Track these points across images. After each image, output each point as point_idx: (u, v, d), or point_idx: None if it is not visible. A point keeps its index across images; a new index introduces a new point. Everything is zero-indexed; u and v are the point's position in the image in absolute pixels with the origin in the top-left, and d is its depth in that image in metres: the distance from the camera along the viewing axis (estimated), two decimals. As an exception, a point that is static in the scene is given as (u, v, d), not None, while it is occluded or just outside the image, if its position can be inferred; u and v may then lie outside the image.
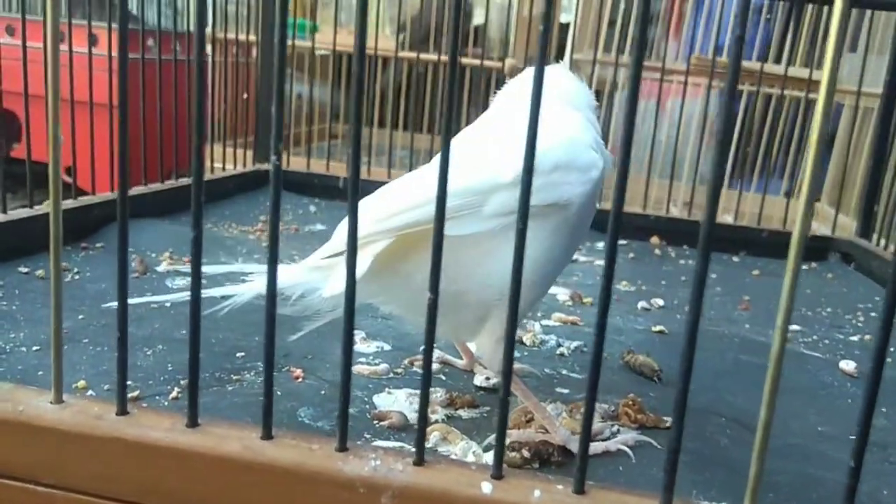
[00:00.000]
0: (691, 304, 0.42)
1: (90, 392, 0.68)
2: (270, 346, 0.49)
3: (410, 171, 1.72)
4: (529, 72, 0.72)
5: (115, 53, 1.31)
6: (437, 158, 0.71)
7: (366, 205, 0.64)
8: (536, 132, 0.45)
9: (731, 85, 0.40)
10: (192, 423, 0.51)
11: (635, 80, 0.43)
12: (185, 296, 0.61)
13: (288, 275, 0.65)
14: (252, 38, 1.91)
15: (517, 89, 0.72)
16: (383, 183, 0.71)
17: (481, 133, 0.69)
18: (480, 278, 0.63)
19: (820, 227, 1.89)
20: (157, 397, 0.68)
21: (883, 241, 1.54)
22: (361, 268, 0.63)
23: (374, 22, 2.16)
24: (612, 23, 2.38)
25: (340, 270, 0.65)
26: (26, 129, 1.05)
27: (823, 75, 0.40)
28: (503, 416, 0.46)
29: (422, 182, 0.65)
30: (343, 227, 0.67)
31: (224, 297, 0.65)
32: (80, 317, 0.85)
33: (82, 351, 0.76)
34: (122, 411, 0.51)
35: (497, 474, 0.47)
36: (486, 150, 0.64)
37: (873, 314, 1.22)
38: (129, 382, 0.69)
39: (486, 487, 0.47)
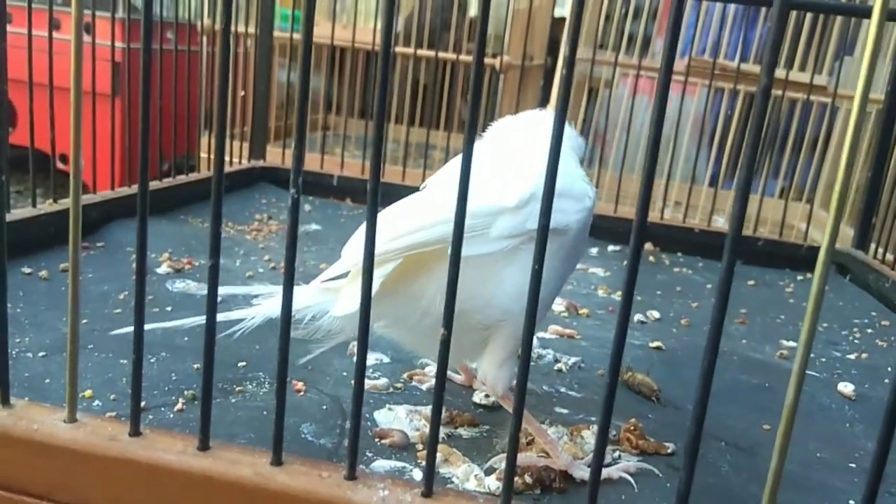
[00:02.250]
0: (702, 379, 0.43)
1: (96, 402, 0.69)
2: (282, 388, 0.49)
3: (403, 165, 1.74)
4: (516, 117, 0.76)
5: (119, 44, 1.31)
6: (437, 175, 0.72)
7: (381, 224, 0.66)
8: (556, 171, 0.46)
9: (752, 148, 0.40)
10: (204, 446, 0.51)
11: (661, 108, 0.44)
12: (197, 321, 0.62)
13: (299, 298, 0.66)
14: (243, 29, 1.90)
15: (509, 124, 0.75)
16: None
17: (480, 162, 0.70)
18: (484, 299, 0.64)
19: (813, 231, 1.89)
20: (163, 409, 0.69)
21: (881, 252, 1.54)
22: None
23: (373, 16, 2.13)
24: (607, 17, 2.38)
25: (348, 291, 0.66)
26: (30, 125, 1.05)
27: (857, 90, 0.40)
28: (511, 460, 0.47)
29: (430, 202, 0.67)
30: (351, 246, 0.67)
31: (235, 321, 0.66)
32: (84, 321, 0.85)
33: (87, 358, 0.77)
34: (136, 432, 0.52)
35: (504, 507, 0.48)
36: (488, 176, 0.65)
37: (870, 331, 1.23)
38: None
39: (494, 521, 0.48)
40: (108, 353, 0.78)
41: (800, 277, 1.53)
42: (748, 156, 0.41)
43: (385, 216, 0.68)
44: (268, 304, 0.67)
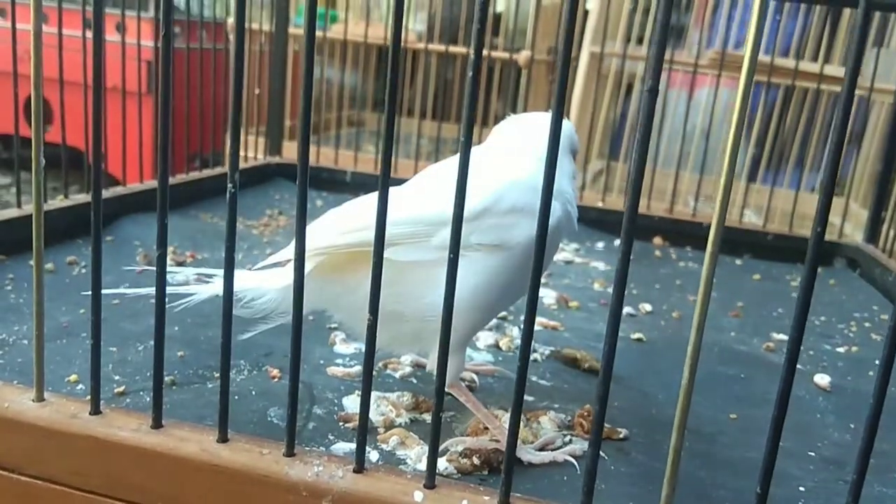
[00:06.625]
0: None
1: (80, 386, 0.73)
2: (226, 360, 0.53)
3: (437, 161, 1.77)
4: (515, 119, 0.75)
5: (144, 42, 1.37)
6: (413, 181, 0.75)
7: (335, 215, 0.70)
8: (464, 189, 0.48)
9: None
10: (157, 424, 0.55)
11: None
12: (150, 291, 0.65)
13: (240, 280, 0.69)
14: (257, 26, 1.95)
15: (509, 129, 0.74)
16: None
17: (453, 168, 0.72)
18: (422, 302, 0.66)
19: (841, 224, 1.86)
20: (141, 393, 0.73)
21: (890, 246, 1.53)
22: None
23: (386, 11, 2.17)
24: (646, 10, 2.36)
25: (282, 274, 0.70)
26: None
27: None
28: (435, 434, 0.50)
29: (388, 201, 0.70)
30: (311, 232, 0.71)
31: (183, 296, 0.71)
32: (81, 311, 0.90)
33: (79, 345, 0.81)
34: (96, 411, 0.56)
35: (430, 484, 0.52)
36: (447, 184, 0.67)
37: (867, 324, 1.23)
38: (116, 377, 0.75)
39: (418, 496, 0.51)
40: (101, 342, 0.83)
41: (807, 271, 1.53)
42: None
43: (347, 208, 0.72)
44: (213, 284, 0.71)
